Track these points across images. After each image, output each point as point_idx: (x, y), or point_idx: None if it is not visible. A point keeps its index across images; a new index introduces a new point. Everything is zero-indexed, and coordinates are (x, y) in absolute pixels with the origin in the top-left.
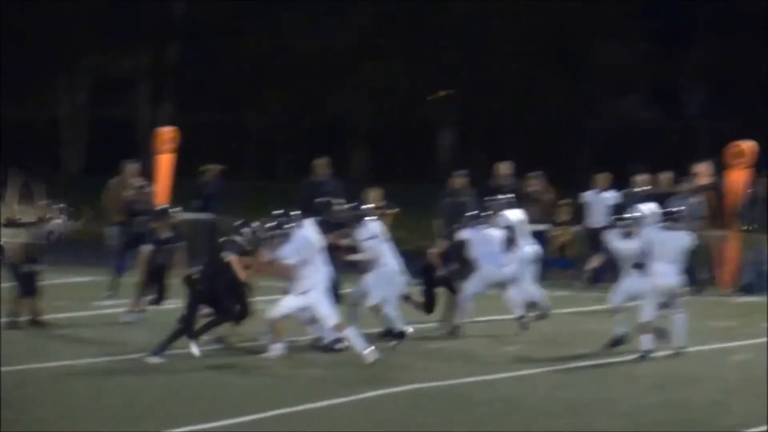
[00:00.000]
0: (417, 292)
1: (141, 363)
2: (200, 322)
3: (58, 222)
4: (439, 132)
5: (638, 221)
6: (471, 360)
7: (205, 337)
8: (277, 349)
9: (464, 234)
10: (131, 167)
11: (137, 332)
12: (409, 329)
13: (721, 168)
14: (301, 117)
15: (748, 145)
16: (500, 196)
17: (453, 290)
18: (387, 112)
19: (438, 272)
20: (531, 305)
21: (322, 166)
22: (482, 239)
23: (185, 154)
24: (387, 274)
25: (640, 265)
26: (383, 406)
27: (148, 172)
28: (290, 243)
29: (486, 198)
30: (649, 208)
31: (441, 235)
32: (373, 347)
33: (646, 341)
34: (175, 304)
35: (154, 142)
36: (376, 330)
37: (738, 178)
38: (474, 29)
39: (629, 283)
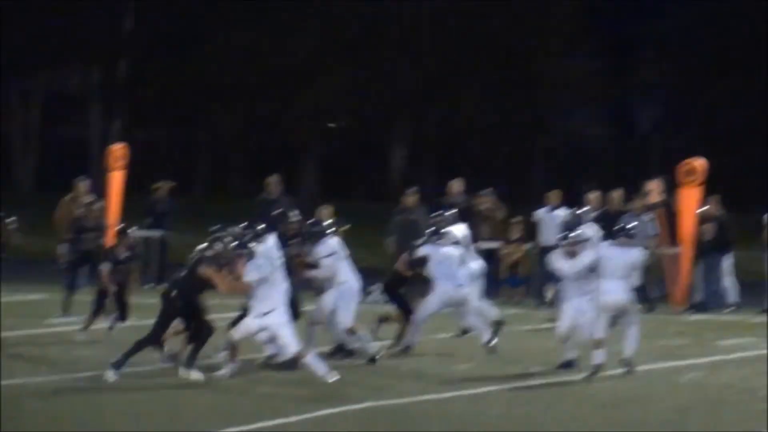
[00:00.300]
0: (390, 310)
1: (94, 381)
2: (177, 344)
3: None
4: (391, 149)
5: (580, 241)
6: (423, 378)
7: (157, 355)
8: (231, 367)
9: (424, 250)
10: (82, 184)
11: (91, 350)
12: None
13: (672, 185)
14: (252, 134)
15: (699, 163)
16: (445, 213)
17: (409, 309)
18: (338, 129)
19: (404, 282)
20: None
21: (273, 183)
22: (440, 257)
23: (137, 171)
24: (349, 292)
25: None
26: (336, 425)
27: (99, 190)
28: (253, 259)
29: (432, 215)
30: (591, 228)
31: (395, 252)
32: (332, 370)
33: (598, 356)
34: (130, 322)
35: (105, 159)
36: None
37: (689, 196)
38: (427, 47)
39: (572, 306)
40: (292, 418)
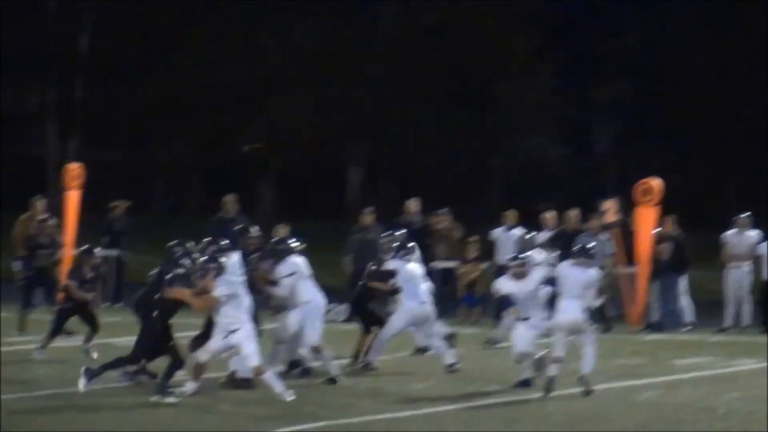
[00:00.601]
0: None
1: (52, 400)
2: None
3: None
4: (348, 169)
5: (528, 262)
6: (381, 397)
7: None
8: (191, 386)
9: (392, 264)
10: (39, 203)
11: (48, 369)
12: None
13: (629, 205)
14: (210, 154)
15: (656, 183)
16: (395, 233)
17: (367, 328)
18: (296, 148)
19: (373, 297)
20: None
21: (230, 202)
22: (407, 274)
23: (93, 190)
24: (315, 311)
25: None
26: None
27: (56, 208)
28: (222, 275)
29: (383, 234)
30: (540, 253)
31: (352, 271)
32: (290, 390)
33: (552, 370)
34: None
35: (62, 178)
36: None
37: (646, 216)
38: (383, 67)
39: (523, 327)
40: None
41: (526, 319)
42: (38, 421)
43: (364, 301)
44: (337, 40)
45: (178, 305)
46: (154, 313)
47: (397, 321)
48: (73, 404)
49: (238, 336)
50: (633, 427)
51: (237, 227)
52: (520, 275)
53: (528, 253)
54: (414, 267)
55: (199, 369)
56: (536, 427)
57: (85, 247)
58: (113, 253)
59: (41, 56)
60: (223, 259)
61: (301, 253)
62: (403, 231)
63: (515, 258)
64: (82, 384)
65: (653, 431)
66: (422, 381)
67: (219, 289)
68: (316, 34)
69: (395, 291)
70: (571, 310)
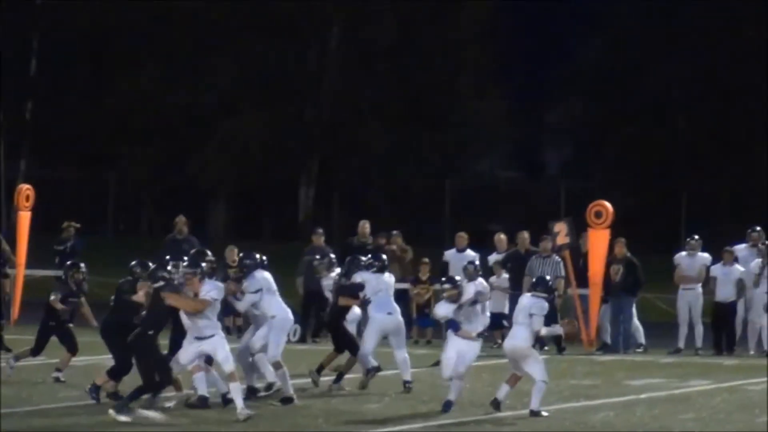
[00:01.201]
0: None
1: (11, 417)
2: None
3: None
4: (300, 189)
5: (460, 287)
6: (334, 417)
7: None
8: (177, 397)
9: (360, 276)
10: None
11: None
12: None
13: (581, 227)
14: (161, 175)
15: (608, 205)
16: (324, 258)
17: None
18: (247, 170)
19: (345, 313)
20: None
21: (181, 223)
22: (376, 285)
23: (45, 211)
24: (279, 326)
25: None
26: None
27: (11, 229)
28: (209, 280)
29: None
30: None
31: (304, 292)
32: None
33: (502, 390)
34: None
35: (13, 199)
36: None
37: (598, 238)
38: (335, 87)
39: (454, 347)
40: None
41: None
42: None
43: (339, 319)
44: (287, 60)
45: (167, 319)
46: (150, 332)
47: (368, 336)
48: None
49: (212, 342)
50: None
51: (194, 250)
52: (453, 299)
53: (459, 280)
54: (386, 277)
55: (177, 381)
56: None
57: (71, 261)
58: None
59: None
60: (204, 264)
61: (266, 268)
62: (332, 257)
63: (446, 281)
64: (123, 418)
65: None
66: (376, 402)
67: (209, 293)
68: (267, 55)
69: (366, 302)
70: (514, 337)
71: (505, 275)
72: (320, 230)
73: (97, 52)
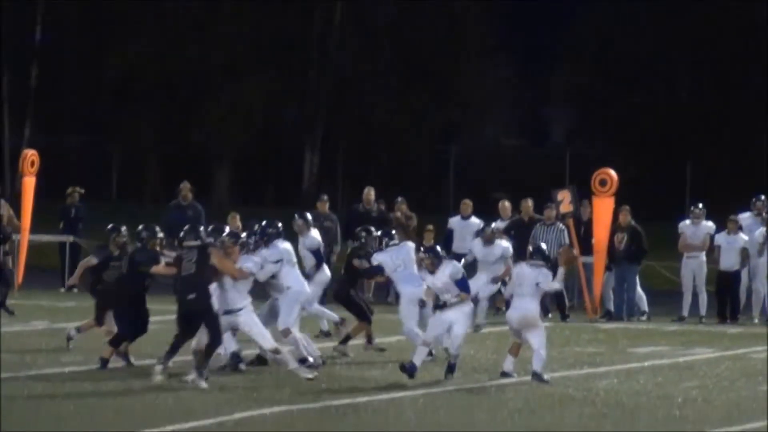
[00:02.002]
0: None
1: (13, 381)
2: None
3: None
4: (305, 157)
5: (439, 257)
6: (338, 382)
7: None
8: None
9: (376, 259)
10: None
11: (5, 353)
12: (311, 359)
13: (585, 195)
14: (165, 141)
15: (613, 172)
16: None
17: (364, 312)
18: (250, 135)
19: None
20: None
21: (186, 189)
22: (391, 264)
23: (50, 176)
24: (293, 296)
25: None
26: (256, 426)
27: (16, 194)
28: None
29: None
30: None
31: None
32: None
33: (508, 361)
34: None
35: (17, 164)
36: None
37: (603, 205)
38: (339, 54)
39: (440, 317)
40: (209, 421)
41: (442, 306)
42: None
43: (347, 289)
44: (291, 24)
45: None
46: (192, 295)
47: (406, 312)
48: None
49: (244, 319)
50: (591, 414)
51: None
52: (430, 268)
53: (438, 247)
54: (397, 254)
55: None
56: (494, 415)
57: (111, 225)
58: (68, 238)
59: None
60: (243, 236)
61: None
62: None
63: (427, 251)
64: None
65: (611, 418)
66: (379, 368)
67: (247, 265)
68: (270, 19)
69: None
70: (521, 307)
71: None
72: (325, 197)
73: (100, 17)
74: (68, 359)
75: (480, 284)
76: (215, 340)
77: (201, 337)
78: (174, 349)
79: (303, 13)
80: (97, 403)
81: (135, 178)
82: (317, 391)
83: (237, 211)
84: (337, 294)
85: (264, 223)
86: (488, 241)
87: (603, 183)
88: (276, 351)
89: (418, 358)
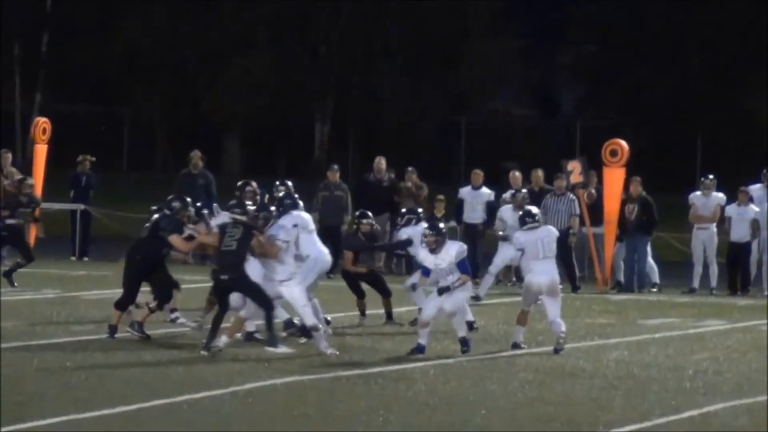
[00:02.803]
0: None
1: (22, 350)
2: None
3: None
4: (315, 127)
5: (443, 235)
6: (352, 354)
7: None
8: (226, 340)
9: (407, 232)
10: (6, 156)
11: (15, 321)
12: (320, 326)
13: (597, 166)
14: (175, 110)
15: (623, 143)
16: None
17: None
18: (261, 106)
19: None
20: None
21: (196, 158)
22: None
23: (59, 144)
24: (310, 265)
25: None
26: (262, 397)
27: (27, 163)
28: (277, 223)
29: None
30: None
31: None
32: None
33: (518, 332)
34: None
35: (28, 132)
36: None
37: (613, 177)
38: (349, 25)
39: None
40: (220, 391)
41: (442, 289)
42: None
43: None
44: None
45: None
46: (230, 274)
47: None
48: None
49: (290, 290)
50: (602, 385)
51: (239, 182)
52: (433, 246)
53: (441, 225)
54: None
55: (238, 324)
56: (505, 386)
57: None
58: (79, 207)
59: (6, 12)
60: (272, 208)
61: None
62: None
63: (431, 228)
64: (282, 349)
65: (622, 389)
66: (389, 340)
67: (278, 236)
68: None
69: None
70: (548, 271)
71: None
72: (335, 166)
73: None
74: (79, 328)
75: (510, 253)
76: (268, 307)
77: (248, 312)
78: (215, 329)
79: None
80: (107, 373)
81: (146, 147)
82: (329, 363)
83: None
84: (345, 274)
85: (282, 194)
86: (519, 207)
87: (614, 153)
88: (315, 328)
89: (423, 339)
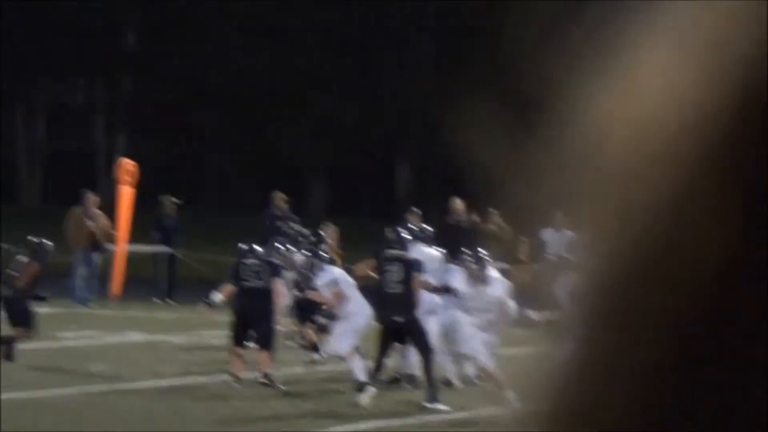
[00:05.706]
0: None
1: (110, 394)
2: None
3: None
4: (397, 167)
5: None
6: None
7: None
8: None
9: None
10: (92, 198)
11: (102, 364)
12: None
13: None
14: (254, 151)
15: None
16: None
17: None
18: (340, 146)
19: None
20: None
21: (280, 199)
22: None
23: (141, 185)
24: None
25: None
26: None
27: (108, 203)
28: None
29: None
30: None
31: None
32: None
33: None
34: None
35: (114, 172)
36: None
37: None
38: (431, 65)
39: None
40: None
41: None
42: (114, 412)
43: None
44: (382, 36)
45: None
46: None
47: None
48: (123, 401)
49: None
50: None
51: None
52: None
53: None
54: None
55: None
56: None
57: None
58: (165, 250)
59: (89, 53)
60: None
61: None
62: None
63: (470, 255)
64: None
65: None
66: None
67: (326, 288)
68: (357, 30)
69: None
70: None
71: None
72: (415, 209)
73: (193, 28)
74: (166, 370)
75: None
76: (428, 354)
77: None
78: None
79: (392, 20)
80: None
81: (224, 187)
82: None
83: (331, 221)
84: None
85: (317, 250)
86: None
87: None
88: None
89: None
